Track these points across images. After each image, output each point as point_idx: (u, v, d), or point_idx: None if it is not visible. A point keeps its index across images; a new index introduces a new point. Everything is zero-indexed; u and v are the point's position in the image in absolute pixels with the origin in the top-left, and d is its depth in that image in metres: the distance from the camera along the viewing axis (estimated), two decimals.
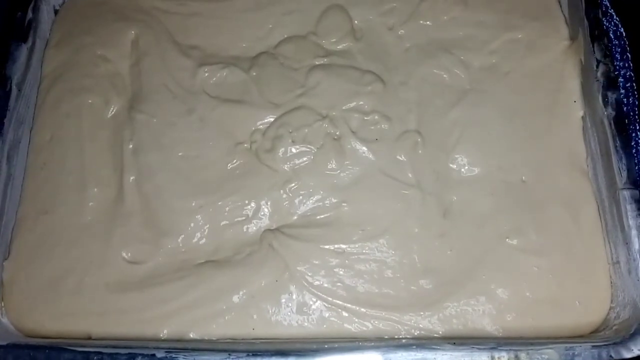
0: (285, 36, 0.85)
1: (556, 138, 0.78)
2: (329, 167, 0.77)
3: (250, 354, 0.64)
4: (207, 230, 0.75)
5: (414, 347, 0.64)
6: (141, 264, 0.73)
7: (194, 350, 0.64)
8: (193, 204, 0.76)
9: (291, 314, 0.70)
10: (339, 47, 0.85)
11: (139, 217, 0.75)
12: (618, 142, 0.72)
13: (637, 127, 0.72)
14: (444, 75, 0.82)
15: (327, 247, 0.73)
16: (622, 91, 0.73)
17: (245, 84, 0.82)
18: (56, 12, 0.89)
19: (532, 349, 0.63)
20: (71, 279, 0.72)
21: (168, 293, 0.71)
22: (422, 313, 0.70)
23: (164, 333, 0.69)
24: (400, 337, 0.69)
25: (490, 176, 0.76)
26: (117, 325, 0.70)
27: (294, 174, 0.77)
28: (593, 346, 0.64)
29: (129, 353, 0.64)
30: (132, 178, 0.77)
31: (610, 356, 0.63)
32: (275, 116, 0.80)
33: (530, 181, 0.76)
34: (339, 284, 0.71)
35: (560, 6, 0.86)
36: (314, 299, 0.71)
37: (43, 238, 0.75)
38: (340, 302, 0.70)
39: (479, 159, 0.77)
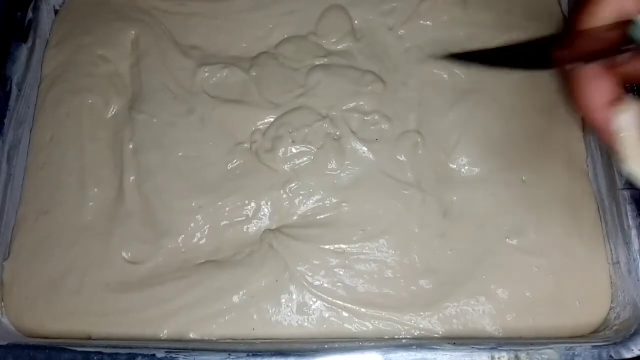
0: (285, 36, 0.85)
1: (556, 138, 0.78)
2: (329, 167, 0.77)
3: (250, 354, 0.64)
4: (207, 230, 0.75)
5: (414, 347, 0.64)
6: (141, 264, 0.73)
7: (194, 350, 0.64)
8: (193, 204, 0.76)
9: (291, 314, 0.70)
10: (339, 47, 0.85)
11: (139, 217, 0.75)
12: None
13: None
14: (444, 75, 0.82)
15: (327, 247, 0.73)
16: None
17: (245, 84, 0.82)
18: (56, 12, 0.89)
19: (532, 349, 0.63)
20: (71, 279, 0.72)
21: (168, 293, 0.71)
22: (422, 313, 0.70)
23: (164, 333, 0.69)
24: (400, 337, 0.69)
25: (490, 176, 0.76)
26: (117, 325, 0.70)
27: (294, 174, 0.77)
28: (593, 346, 0.64)
29: (129, 353, 0.64)
30: (132, 178, 0.77)
31: (610, 356, 0.63)
32: (275, 116, 0.80)
33: (530, 181, 0.76)
34: (339, 284, 0.72)
35: (560, 6, 0.86)
36: (314, 299, 0.71)
37: (43, 238, 0.75)
38: (340, 302, 0.71)
39: (479, 159, 0.77)
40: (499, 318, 0.70)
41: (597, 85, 0.50)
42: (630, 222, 0.69)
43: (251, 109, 0.80)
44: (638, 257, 0.67)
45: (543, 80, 0.81)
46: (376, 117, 0.79)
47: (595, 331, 0.69)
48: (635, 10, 0.49)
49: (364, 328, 0.69)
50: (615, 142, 0.51)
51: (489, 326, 0.69)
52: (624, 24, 0.50)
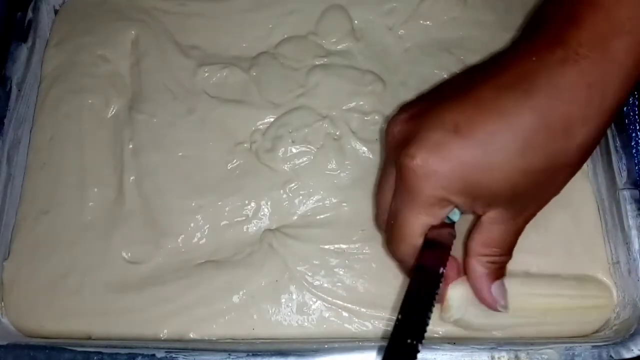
0: (285, 36, 0.85)
1: None
2: (329, 167, 0.77)
3: (250, 354, 0.64)
4: (207, 230, 0.75)
5: None
6: (141, 264, 0.73)
7: (194, 350, 0.64)
8: (193, 204, 0.76)
9: (291, 314, 0.70)
10: (339, 47, 0.85)
11: (139, 217, 0.75)
12: (618, 142, 0.72)
13: (637, 127, 0.72)
14: (444, 75, 0.82)
15: (327, 247, 0.73)
16: None
17: (245, 84, 0.82)
18: (56, 12, 0.89)
19: (532, 349, 0.63)
20: (71, 279, 0.72)
21: (168, 293, 0.71)
22: None
23: (164, 333, 0.69)
24: None
25: None
26: (117, 325, 0.70)
27: (294, 174, 0.77)
28: (593, 346, 0.64)
29: (129, 353, 0.64)
30: (132, 178, 0.77)
31: (610, 356, 0.63)
32: (275, 116, 0.80)
33: None
34: (339, 284, 0.71)
35: None
36: (314, 299, 0.71)
37: (43, 238, 0.75)
38: (341, 302, 0.70)
39: None
40: None
41: None
42: (630, 222, 0.69)
43: (251, 109, 0.80)
44: (638, 257, 0.67)
45: None
46: (376, 117, 0.79)
47: (595, 331, 0.69)
48: (437, 221, 0.58)
49: (364, 328, 0.69)
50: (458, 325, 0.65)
51: None
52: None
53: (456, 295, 0.65)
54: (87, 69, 0.83)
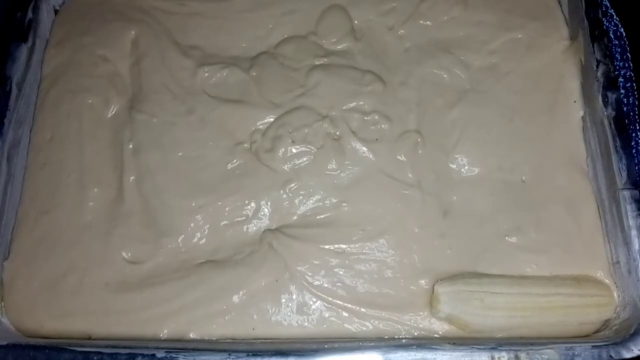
0: (285, 36, 0.86)
1: (556, 138, 0.78)
2: (329, 167, 0.77)
3: (250, 354, 0.64)
4: (207, 230, 0.75)
5: (414, 347, 0.64)
6: (141, 264, 0.73)
7: (194, 350, 0.64)
8: (193, 204, 0.76)
9: (291, 314, 0.70)
10: (339, 47, 0.85)
11: (139, 217, 0.75)
12: (618, 142, 0.72)
13: (637, 127, 0.72)
14: (444, 75, 0.82)
15: (327, 247, 0.73)
16: (622, 91, 0.73)
17: (245, 84, 0.82)
18: (56, 12, 0.89)
19: (532, 349, 0.63)
20: (71, 279, 0.72)
21: (168, 293, 0.71)
22: (422, 313, 0.70)
23: (164, 333, 0.69)
24: (400, 337, 0.69)
25: (490, 176, 0.76)
26: (117, 325, 0.70)
27: (294, 174, 0.77)
28: (593, 346, 0.64)
29: (129, 353, 0.64)
30: (132, 178, 0.77)
31: (610, 356, 0.63)
32: (275, 116, 0.80)
33: (530, 181, 0.76)
34: (339, 284, 0.72)
35: (560, 6, 0.86)
36: (314, 299, 0.71)
37: (43, 238, 0.75)
38: (340, 302, 0.70)
39: (479, 159, 0.77)
40: None
41: None
42: (630, 222, 0.69)
43: (251, 109, 0.80)
44: (638, 257, 0.67)
45: (543, 80, 0.81)
46: (376, 117, 0.79)
47: (596, 331, 0.69)
48: None
49: (364, 328, 0.69)
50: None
51: None
52: None
53: (443, 290, 0.67)
54: (87, 69, 0.84)
